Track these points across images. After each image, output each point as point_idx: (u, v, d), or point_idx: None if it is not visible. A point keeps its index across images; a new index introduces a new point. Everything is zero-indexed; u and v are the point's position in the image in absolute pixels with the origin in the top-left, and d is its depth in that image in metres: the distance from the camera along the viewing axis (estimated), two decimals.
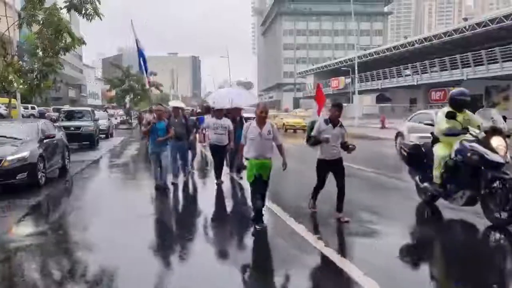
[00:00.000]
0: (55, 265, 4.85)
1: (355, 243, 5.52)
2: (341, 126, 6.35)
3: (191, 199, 8.88)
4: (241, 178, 9.73)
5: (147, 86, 25.93)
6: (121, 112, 53.07)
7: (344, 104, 41.88)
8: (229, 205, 8.15)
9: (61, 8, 17.06)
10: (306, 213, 6.65)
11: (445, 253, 5.36)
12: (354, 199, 7.23)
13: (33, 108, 33.99)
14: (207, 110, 13.21)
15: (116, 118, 44.85)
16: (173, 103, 10.48)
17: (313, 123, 6.79)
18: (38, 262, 4.89)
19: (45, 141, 9.80)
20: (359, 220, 6.38)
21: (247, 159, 5.94)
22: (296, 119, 32.38)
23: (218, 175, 9.40)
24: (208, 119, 9.45)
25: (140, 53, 9.31)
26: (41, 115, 31.98)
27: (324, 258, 4.78)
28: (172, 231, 6.55)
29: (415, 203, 7.29)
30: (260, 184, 5.90)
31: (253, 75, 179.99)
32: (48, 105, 42.82)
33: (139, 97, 49.17)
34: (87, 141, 18.83)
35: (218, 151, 9.40)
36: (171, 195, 8.66)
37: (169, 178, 9.12)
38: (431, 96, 42.10)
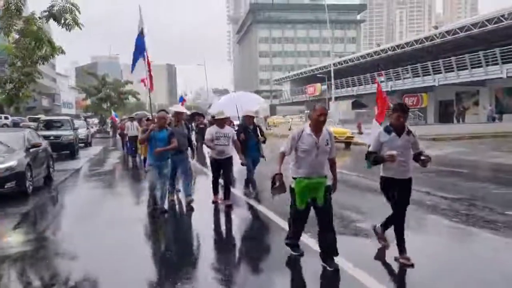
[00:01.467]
0: (51, 270, 5.01)
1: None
2: (409, 133, 4.84)
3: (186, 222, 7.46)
4: (253, 194, 8.62)
5: (144, 86, 25.35)
6: (96, 121, 52.53)
7: None
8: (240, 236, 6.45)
9: (40, 18, 17.02)
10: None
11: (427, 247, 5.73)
12: (344, 202, 7.55)
13: (6, 118, 33.42)
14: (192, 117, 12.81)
15: (92, 127, 44.44)
16: (175, 108, 8.92)
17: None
18: (37, 267, 5.05)
19: (31, 150, 9.86)
20: (350, 220, 6.72)
21: (293, 178, 4.64)
22: (338, 128, 22.23)
23: (215, 190, 8.18)
24: (210, 129, 8.05)
25: (140, 45, 8.17)
26: (15, 125, 31.46)
27: None
28: (159, 239, 6.73)
29: None
30: (319, 213, 4.64)
31: (229, 83, 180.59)
32: (20, 115, 42.09)
33: (115, 105, 48.90)
34: (67, 150, 18.77)
35: (219, 164, 7.96)
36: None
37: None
38: (404, 102, 43.25)
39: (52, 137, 17.72)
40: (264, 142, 8.94)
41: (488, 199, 8.37)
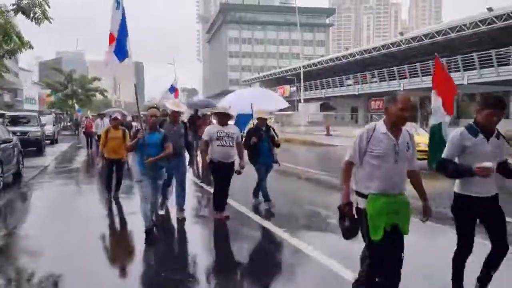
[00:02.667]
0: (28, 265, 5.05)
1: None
2: (499, 135, 3.56)
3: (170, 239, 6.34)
4: (266, 206, 7.47)
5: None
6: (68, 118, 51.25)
7: (290, 112, 42.61)
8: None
9: (7, 11, 16.62)
10: None
11: None
12: (315, 200, 7.86)
13: None
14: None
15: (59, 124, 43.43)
16: (171, 105, 7.13)
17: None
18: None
19: (1, 145, 9.68)
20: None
21: (362, 195, 3.31)
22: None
23: (220, 205, 6.67)
24: (209, 128, 6.73)
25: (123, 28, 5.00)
26: None
27: None
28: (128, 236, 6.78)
29: None
30: (396, 242, 3.22)
31: (198, 82, 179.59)
32: None
33: (82, 102, 47.94)
34: (34, 147, 18.32)
35: (224, 170, 6.57)
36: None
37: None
38: (371, 106, 44.35)
39: (18, 133, 17.28)
40: (278, 146, 7.82)
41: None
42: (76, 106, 45.53)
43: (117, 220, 7.35)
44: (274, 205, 7.39)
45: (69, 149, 22.01)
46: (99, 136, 15.46)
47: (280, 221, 6.60)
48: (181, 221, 6.68)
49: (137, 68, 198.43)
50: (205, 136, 6.53)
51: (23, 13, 16.64)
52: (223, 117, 6.58)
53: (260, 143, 7.34)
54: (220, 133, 6.45)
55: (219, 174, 6.59)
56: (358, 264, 3.71)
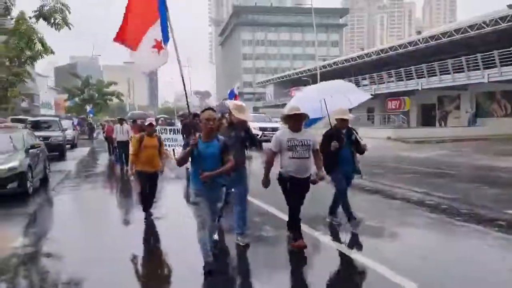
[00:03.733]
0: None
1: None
2: None
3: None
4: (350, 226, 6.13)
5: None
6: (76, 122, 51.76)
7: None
8: None
9: (30, 18, 16.86)
10: None
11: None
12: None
13: None
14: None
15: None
16: (239, 113, 5.47)
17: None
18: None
19: (30, 151, 9.76)
20: None
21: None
22: None
23: (297, 230, 5.32)
24: (278, 134, 5.37)
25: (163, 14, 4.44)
26: None
27: None
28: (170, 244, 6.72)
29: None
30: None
31: (211, 85, 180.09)
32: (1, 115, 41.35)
33: (99, 106, 48.47)
34: (56, 151, 18.48)
35: (298, 188, 5.27)
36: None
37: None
38: (387, 105, 43.92)
39: (41, 138, 17.45)
40: (363, 152, 6.40)
41: (484, 198, 8.67)
42: (88, 108, 45.41)
43: (148, 226, 7.28)
44: (357, 225, 6.07)
45: (89, 153, 22.18)
46: (118, 143, 14.76)
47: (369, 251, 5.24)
48: (244, 247, 5.46)
49: (152, 72, 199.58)
50: (273, 147, 5.27)
51: (44, 19, 16.89)
52: (296, 120, 5.23)
53: (341, 149, 6.02)
54: (293, 141, 5.16)
55: (293, 192, 5.25)
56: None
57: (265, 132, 21.30)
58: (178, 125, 14.63)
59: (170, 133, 13.49)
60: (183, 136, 11.70)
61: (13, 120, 33.14)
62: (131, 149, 7.51)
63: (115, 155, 16.61)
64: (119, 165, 14.91)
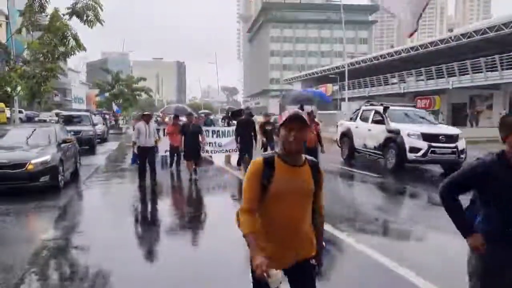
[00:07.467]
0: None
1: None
2: None
3: None
4: None
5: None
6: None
7: (334, 112, 42.04)
8: None
9: (63, 15, 17.30)
10: None
11: None
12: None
13: (20, 111, 33.86)
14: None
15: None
16: None
17: None
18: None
19: (62, 145, 10.05)
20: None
21: None
22: None
23: None
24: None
25: None
26: (29, 119, 31.91)
27: None
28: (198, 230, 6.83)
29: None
30: None
31: (238, 81, 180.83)
32: (32, 109, 42.82)
33: (128, 101, 49.24)
34: (87, 145, 18.97)
35: None
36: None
37: None
38: (416, 104, 43.21)
39: (72, 132, 17.94)
40: None
41: None
42: (114, 107, 45.91)
43: (178, 222, 7.42)
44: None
45: (118, 147, 22.60)
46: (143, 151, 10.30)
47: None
48: None
49: (180, 67, 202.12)
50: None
51: (77, 16, 17.30)
52: None
53: None
54: None
55: None
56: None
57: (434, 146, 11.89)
58: (219, 123, 13.79)
59: (213, 136, 12.55)
60: (236, 139, 10.90)
61: (57, 115, 34.35)
62: None
63: (132, 158, 13.09)
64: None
